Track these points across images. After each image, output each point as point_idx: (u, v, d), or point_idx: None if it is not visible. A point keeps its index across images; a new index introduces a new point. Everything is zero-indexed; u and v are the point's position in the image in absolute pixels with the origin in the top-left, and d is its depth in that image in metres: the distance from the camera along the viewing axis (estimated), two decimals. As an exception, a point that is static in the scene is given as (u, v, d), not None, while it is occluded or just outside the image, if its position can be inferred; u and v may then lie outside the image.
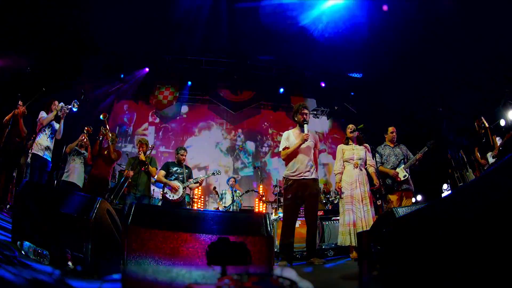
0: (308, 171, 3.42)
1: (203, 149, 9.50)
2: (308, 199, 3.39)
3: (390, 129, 4.46)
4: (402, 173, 4.05)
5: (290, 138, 3.58)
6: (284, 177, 3.59)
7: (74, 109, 4.47)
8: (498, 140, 4.86)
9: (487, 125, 4.93)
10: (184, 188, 4.56)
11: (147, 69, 9.02)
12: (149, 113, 9.66)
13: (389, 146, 4.35)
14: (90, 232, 1.82)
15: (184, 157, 4.72)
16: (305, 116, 3.56)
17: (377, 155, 4.32)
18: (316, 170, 3.53)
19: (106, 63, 8.37)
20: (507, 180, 0.75)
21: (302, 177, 3.40)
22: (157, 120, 9.64)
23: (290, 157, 3.51)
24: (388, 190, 4.13)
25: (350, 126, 4.10)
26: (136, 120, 9.55)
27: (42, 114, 4.39)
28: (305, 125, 3.46)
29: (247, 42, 8.06)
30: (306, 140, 3.38)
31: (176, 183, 4.49)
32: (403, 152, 4.26)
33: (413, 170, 4.23)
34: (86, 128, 4.90)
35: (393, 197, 4.06)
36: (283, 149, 3.56)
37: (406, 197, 4.03)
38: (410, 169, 4.14)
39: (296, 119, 3.65)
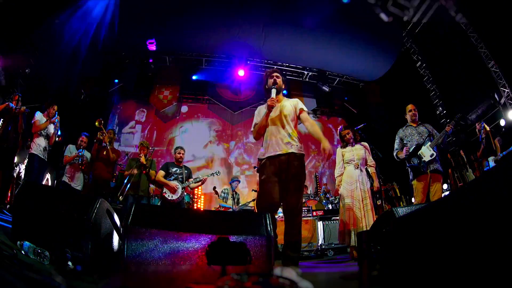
0: (287, 143, 2.60)
1: (202, 148, 9.49)
2: (287, 178, 2.50)
3: (408, 107, 4.01)
4: (429, 151, 3.61)
5: (261, 112, 2.83)
6: (258, 159, 2.87)
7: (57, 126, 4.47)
8: (498, 142, 4.81)
9: (488, 129, 4.85)
10: (183, 188, 4.57)
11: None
12: (135, 111, 9.60)
13: (411, 126, 3.95)
14: (90, 232, 1.82)
15: (181, 155, 4.72)
16: (275, 78, 2.77)
17: (396, 140, 3.96)
18: (300, 142, 2.67)
19: (105, 63, 8.37)
20: (506, 180, 0.75)
21: (277, 153, 2.56)
22: (143, 119, 9.58)
23: (261, 132, 2.75)
24: (415, 173, 3.66)
25: (343, 132, 3.99)
26: (123, 118, 9.49)
27: (37, 116, 4.34)
28: (273, 90, 2.71)
29: (248, 41, 8.05)
30: (272, 106, 2.61)
31: (174, 183, 4.50)
32: (429, 130, 3.83)
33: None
34: (81, 145, 4.92)
35: (418, 184, 3.58)
36: (254, 126, 2.83)
37: (434, 181, 3.56)
38: (438, 149, 3.63)
39: (266, 88, 2.83)
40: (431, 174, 3.58)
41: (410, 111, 3.98)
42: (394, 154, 3.92)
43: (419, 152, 3.67)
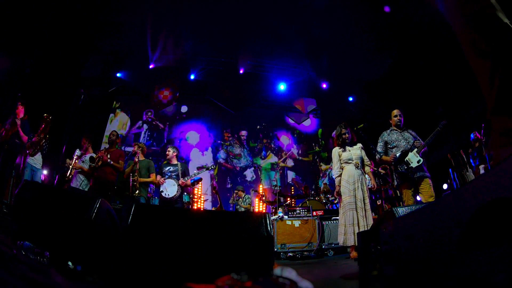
0: None
1: (202, 148, 9.50)
2: None
3: (394, 112, 4.00)
4: (416, 158, 3.59)
5: None
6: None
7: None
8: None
9: (479, 136, 4.87)
10: (179, 185, 4.59)
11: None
12: (143, 111, 9.61)
13: (396, 130, 3.95)
14: (90, 232, 1.82)
15: (168, 153, 4.87)
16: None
17: (380, 143, 3.95)
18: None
19: (106, 63, 8.37)
20: (505, 179, 0.75)
21: None
22: (150, 119, 9.61)
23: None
24: (402, 179, 3.66)
25: (342, 131, 3.94)
26: (131, 118, 9.50)
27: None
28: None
29: (247, 41, 8.06)
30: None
31: (159, 177, 4.67)
32: (413, 136, 3.85)
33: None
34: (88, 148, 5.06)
35: (407, 192, 3.61)
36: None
37: (422, 182, 3.55)
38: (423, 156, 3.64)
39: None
40: (418, 179, 3.58)
41: (395, 116, 3.96)
42: (377, 157, 3.92)
43: (406, 158, 3.65)
